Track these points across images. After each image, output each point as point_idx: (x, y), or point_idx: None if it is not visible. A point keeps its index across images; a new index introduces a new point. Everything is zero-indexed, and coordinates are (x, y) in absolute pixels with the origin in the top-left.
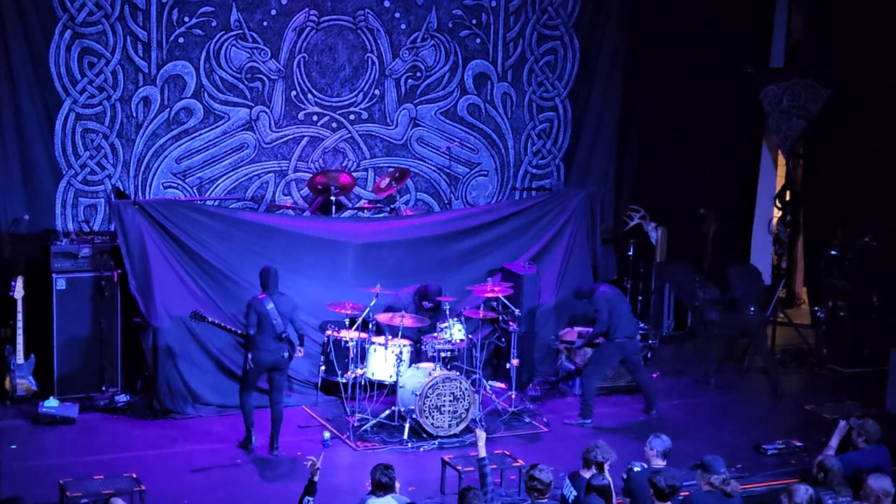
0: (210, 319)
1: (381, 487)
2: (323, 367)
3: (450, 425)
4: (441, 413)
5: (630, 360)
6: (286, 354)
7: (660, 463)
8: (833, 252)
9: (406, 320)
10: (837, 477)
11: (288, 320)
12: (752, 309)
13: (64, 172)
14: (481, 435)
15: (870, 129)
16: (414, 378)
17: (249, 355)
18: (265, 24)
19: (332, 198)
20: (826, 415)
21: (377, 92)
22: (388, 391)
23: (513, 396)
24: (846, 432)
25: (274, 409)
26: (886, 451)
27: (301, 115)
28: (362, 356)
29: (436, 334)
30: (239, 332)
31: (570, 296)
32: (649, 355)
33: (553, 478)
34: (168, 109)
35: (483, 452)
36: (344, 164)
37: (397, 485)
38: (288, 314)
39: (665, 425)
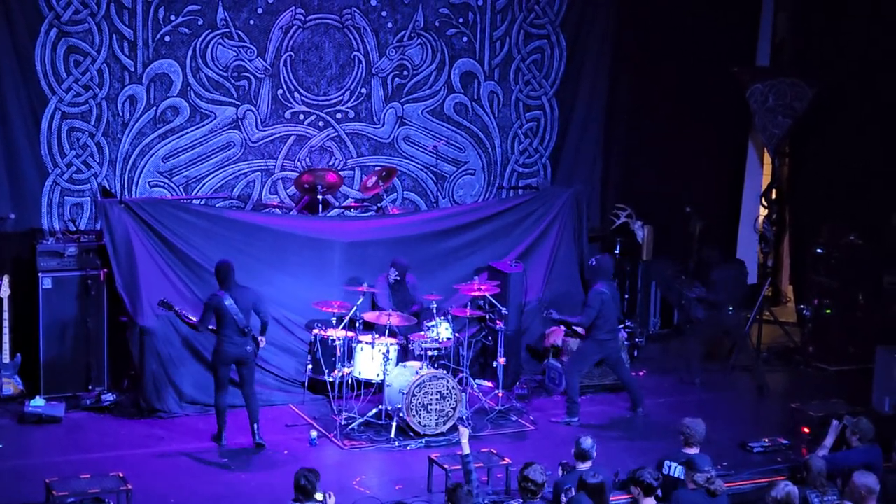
0: (176, 309)
1: (302, 492)
2: (310, 366)
3: (437, 424)
4: (428, 411)
5: (610, 358)
6: (250, 349)
7: (581, 465)
8: (819, 250)
9: (393, 319)
10: (821, 477)
11: (250, 313)
12: (731, 309)
13: (50, 171)
14: (464, 432)
15: (856, 128)
16: (401, 377)
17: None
18: (251, 22)
19: (319, 196)
20: (812, 413)
21: (364, 90)
22: (375, 390)
23: (500, 395)
24: (840, 431)
25: (248, 403)
26: (879, 449)
27: (288, 114)
28: (349, 355)
29: (423, 333)
30: (202, 329)
31: (556, 294)
32: (636, 353)
33: (545, 477)
34: (154, 108)
35: (467, 449)
36: (331, 163)
37: (319, 494)
38: (249, 307)
39: (651, 423)
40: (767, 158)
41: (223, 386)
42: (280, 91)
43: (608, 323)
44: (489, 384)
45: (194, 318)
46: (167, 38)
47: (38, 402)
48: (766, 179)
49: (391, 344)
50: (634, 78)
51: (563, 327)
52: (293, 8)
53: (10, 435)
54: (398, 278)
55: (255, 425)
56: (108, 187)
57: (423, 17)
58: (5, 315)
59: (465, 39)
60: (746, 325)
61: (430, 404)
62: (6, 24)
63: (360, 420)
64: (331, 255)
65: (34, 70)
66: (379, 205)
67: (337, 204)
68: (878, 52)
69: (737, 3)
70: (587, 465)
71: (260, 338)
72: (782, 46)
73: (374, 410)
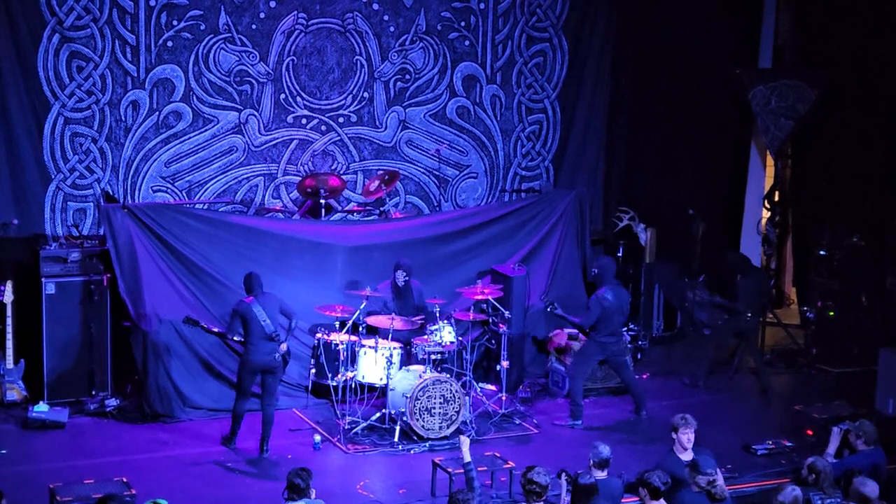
0: (202, 325)
1: (296, 491)
2: (313, 370)
3: (440, 427)
4: (431, 415)
5: (613, 360)
6: (277, 356)
7: (600, 474)
8: (822, 252)
9: (396, 323)
10: (829, 478)
11: (277, 319)
12: (749, 315)
13: (53, 176)
14: (465, 441)
15: (858, 129)
16: (404, 381)
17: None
18: (254, 27)
19: (322, 201)
20: (815, 415)
21: (366, 94)
22: (378, 394)
23: (503, 398)
24: (842, 437)
25: (265, 411)
26: (882, 451)
27: (290, 118)
28: (352, 359)
29: (426, 336)
30: (230, 336)
31: (559, 297)
32: (640, 356)
33: (549, 480)
34: (157, 113)
35: (468, 457)
36: (333, 167)
37: (312, 492)
38: (276, 312)
39: (654, 426)
40: (770, 160)
41: (245, 395)
42: (282, 95)
43: (609, 326)
44: (492, 387)
45: (219, 329)
46: (169, 44)
47: (42, 407)
48: (768, 181)
49: (394, 348)
50: (636, 80)
51: (565, 329)
52: (295, 12)
53: (13, 440)
54: (407, 279)
55: (266, 441)
56: (111, 192)
57: (425, 21)
58: (9, 321)
59: (466, 43)
60: (758, 327)
61: (434, 408)
62: (9, 30)
63: (364, 424)
64: (333, 259)
65: (37, 75)
66: (381, 209)
67: (339, 208)
68: (879, 53)
69: (738, 5)
70: (604, 473)
71: (283, 344)
72: (784, 48)
73: (378, 414)
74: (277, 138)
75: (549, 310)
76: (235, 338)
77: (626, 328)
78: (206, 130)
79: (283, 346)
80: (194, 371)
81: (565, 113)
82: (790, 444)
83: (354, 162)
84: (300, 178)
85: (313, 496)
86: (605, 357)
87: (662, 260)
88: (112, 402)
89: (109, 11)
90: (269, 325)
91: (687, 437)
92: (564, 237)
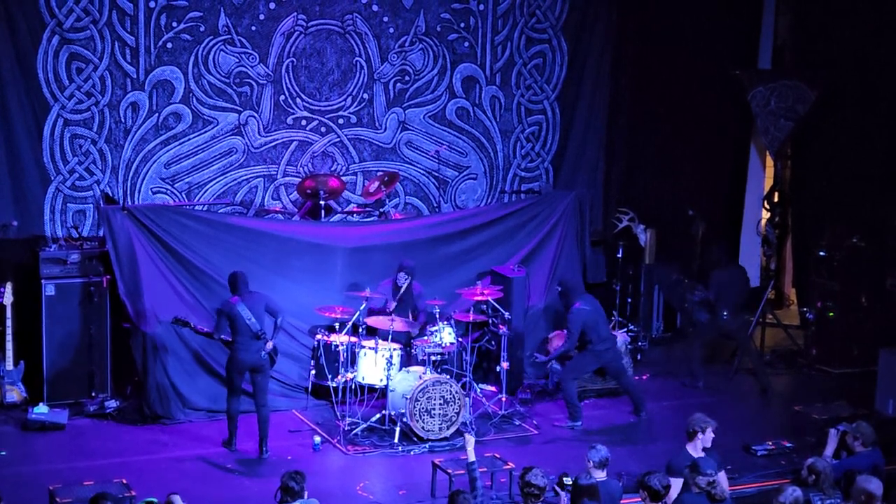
0: (192, 325)
1: (289, 493)
2: (313, 372)
3: (440, 429)
4: (431, 416)
5: (610, 367)
6: (264, 354)
7: (600, 475)
8: (821, 253)
9: (396, 324)
10: (829, 479)
11: (263, 318)
12: (725, 313)
13: (52, 178)
14: (470, 439)
15: (858, 130)
16: (404, 382)
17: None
18: (253, 28)
19: (322, 202)
20: (815, 415)
21: (366, 96)
22: (378, 395)
23: (503, 399)
24: (839, 438)
25: (259, 412)
26: (880, 451)
27: (290, 120)
28: (352, 360)
29: (426, 338)
30: (217, 336)
31: (559, 299)
32: (639, 357)
33: (547, 481)
34: (156, 114)
35: (472, 456)
36: (333, 169)
37: (305, 493)
38: (262, 311)
39: (654, 427)
40: (769, 161)
41: (236, 393)
42: (282, 97)
43: (598, 334)
44: (492, 388)
45: (208, 329)
46: (169, 45)
47: (42, 409)
48: (768, 182)
49: (394, 349)
50: (636, 81)
51: (564, 331)
52: (295, 14)
53: (13, 442)
54: (408, 281)
55: (265, 442)
56: (110, 194)
57: (425, 23)
58: (8, 322)
59: (466, 44)
60: (749, 327)
61: (434, 409)
62: (8, 32)
63: (364, 425)
64: (333, 260)
65: (36, 77)
66: (381, 210)
67: (339, 209)
68: (879, 53)
69: (738, 6)
70: (604, 473)
71: (268, 342)
72: (784, 49)
73: (378, 415)
74: (277, 140)
75: (531, 362)
76: (223, 337)
77: (625, 329)
78: (205, 132)
79: (269, 345)
80: (194, 372)
81: (565, 114)
82: (790, 444)
83: (354, 163)
84: (300, 180)
85: (306, 497)
86: (601, 365)
87: (662, 261)
88: (112, 404)
89: (109, 13)
90: (254, 323)
91: (712, 436)
92: (564, 238)
